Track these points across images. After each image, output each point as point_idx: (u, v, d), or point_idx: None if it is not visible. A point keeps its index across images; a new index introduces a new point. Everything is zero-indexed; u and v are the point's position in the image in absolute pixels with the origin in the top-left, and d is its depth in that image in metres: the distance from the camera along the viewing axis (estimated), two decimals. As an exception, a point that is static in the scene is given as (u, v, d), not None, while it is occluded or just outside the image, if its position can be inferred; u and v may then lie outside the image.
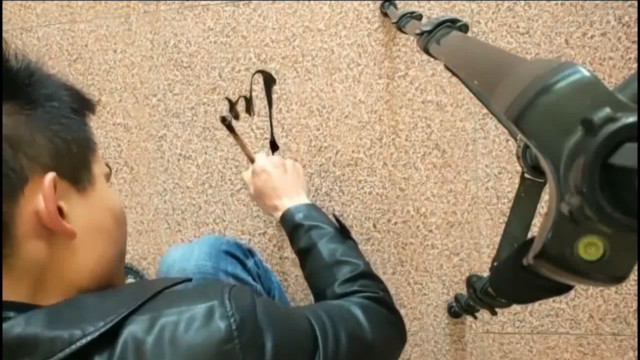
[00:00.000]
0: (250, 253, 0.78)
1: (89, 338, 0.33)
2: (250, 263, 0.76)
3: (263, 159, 0.79)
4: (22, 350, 0.32)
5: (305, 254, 0.66)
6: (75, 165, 0.40)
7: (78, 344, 0.32)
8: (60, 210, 0.37)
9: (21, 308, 0.35)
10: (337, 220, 0.71)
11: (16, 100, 0.37)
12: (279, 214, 0.73)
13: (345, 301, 0.56)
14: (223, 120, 0.82)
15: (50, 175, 0.36)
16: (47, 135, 0.37)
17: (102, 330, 0.33)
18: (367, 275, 0.62)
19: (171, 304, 0.37)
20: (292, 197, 0.74)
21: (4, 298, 0.36)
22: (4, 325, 0.32)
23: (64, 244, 0.38)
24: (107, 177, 0.44)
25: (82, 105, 0.42)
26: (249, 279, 0.73)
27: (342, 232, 0.69)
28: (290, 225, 0.69)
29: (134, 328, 0.35)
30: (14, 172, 0.35)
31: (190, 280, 0.43)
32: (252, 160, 0.80)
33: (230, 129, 0.85)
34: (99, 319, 0.34)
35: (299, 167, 0.81)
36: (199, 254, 0.70)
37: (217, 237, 0.77)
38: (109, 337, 0.34)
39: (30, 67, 0.39)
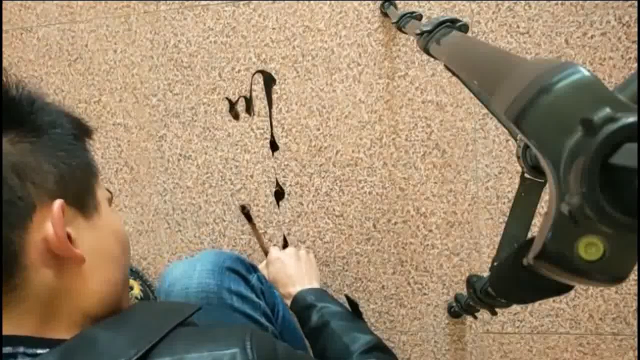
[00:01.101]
0: (252, 268, 0.78)
1: None
2: (253, 279, 0.76)
3: (277, 250, 0.87)
4: None
5: (318, 332, 0.68)
6: (80, 191, 0.40)
7: None
8: (68, 237, 0.37)
9: (31, 342, 0.34)
10: (349, 299, 0.77)
11: (20, 129, 0.37)
12: (291, 297, 0.76)
13: None
14: (242, 209, 0.94)
15: (58, 202, 0.36)
16: (52, 162, 0.37)
17: None
18: (382, 348, 0.65)
19: (192, 345, 0.37)
20: (304, 285, 0.78)
21: (13, 331, 0.35)
22: None
23: (73, 271, 0.38)
24: (110, 201, 0.45)
25: (82, 131, 0.42)
26: (253, 295, 0.73)
27: (354, 311, 0.74)
28: (302, 306, 0.73)
29: None
30: (21, 200, 0.35)
31: (200, 309, 0.43)
32: (266, 252, 0.88)
33: (249, 218, 0.96)
34: (112, 358, 0.34)
35: (311, 257, 0.88)
36: (201, 272, 0.70)
37: (219, 252, 0.77)
38: None
39: (32, 95, 0.39)
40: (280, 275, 0.81)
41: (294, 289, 0.77)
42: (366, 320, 0.96)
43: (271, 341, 0.41)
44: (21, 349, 0.34)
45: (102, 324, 0.38)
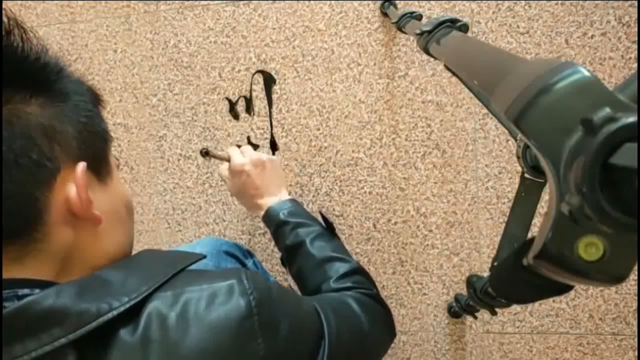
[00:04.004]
0: (249, 254, 0.79)
1: (115, 312, 0.35)
2: (249, 263, 0.77)
3: (239, 157, 0.76)
4: (53, 321, 0.33)
5: (293, 252, 0.67)
6: (98, 156, 0.42)
7: (105, 317, 0.34)
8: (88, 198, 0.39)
9: (45, 285, 0.36)
10: (323, 217, 0.72)
11: (49, 93, 0.39)
12: (261, 213, 0.73)
13: (342, 295, 0.58)
14: (201, 152, 0.85)
15: (82, 165, 0.39)
16: (76, 127, 0.40)
17: (128, 305, 0.35)
18: (360, 272, 0.64)
19: (192, 281, 0.39)
20: (273, 195, 0.74)
21: (31, 276, 0.37)
22: (36, 297, 0.34)
23: (89, 230, 0.40)
24: (117, 167, 0.48)
25: (97, 99, 0.46)
26: None
27: (329, 229, 0.70)
28: (275, 223, 0.70)
29: (158, 304, 0.37)
30: (49, 161, 0.37)
31: (205, 256, 0.46)
32: (226, 159, 0.79)
33: (207, 155, 0.90)
34: (124, 294, 0.36)
35: (276, 162, 0.79)
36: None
37: (216, 239, 0.77)
38: (134, 312, 0.36)
39: (59, 62, 0.42)
40: (246, 187, 0.75)
41: (263, 201, 0.74)
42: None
43: (264, 278, 0.43)
44: (36, 291, 0.35)
45: (112, 267, 0.40)
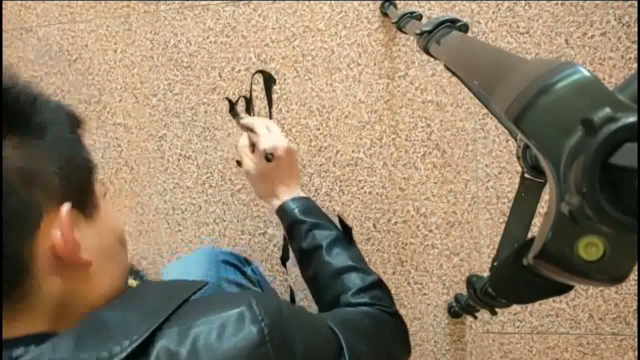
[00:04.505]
0: (246, 261, 0.78)
1: (116, 359, 0.32)
2: (248, 270, 0.75)
3: (269, 138, 0.69)
4: None
5: (308, 256, 0.64)
6: (82, 190, 0.39)
7: None
8: (75, 241, 0.36)
9: (41, 339, 0.34)
10: (341, 220, 0.68)
11: (24, 131, 0.35)
12: (277, 203, 0.69)
13: (359, 311, 0.56)
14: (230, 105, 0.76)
15: (66, 207, 0.36)
16: (57, 164, 0.36)
17: (130, 349, 0.33)
18: (379, 286, 0.61)
19: (198, 313, 0.37)
20: (292, 189, 0.70)
21: (24, 332, 0.35)
22: (32, 356, 0.32)
23: (79, 275, 0.38)
24: (105, 194, 0.44)
25: (76, 123, 0.41)
26: (250, 285, 0.73)
27: (345, 232, 0.66)
28: (290, 219, 0.67)
29: (165, 342, 0.35)
30: (30, 208, 0.34)
31: (206, 284, 0.43)
32: (250, 130, 0.72)
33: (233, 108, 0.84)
34: (125, 336, 0.34)
35: (291, 151, 0.72)
36: (198, 268, 0.69)
37: (212, 249, 0.76)
38: (140, 353, 0.34)
39: (31, 92, 0.37)
40: (272, 174, 0.70)
41: (281, 193, 0.69)
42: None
43: (274, 299, 0.41)
44: (32, 347, 0.34)
45: (109, 306, 0.38)
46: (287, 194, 0.69)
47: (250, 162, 0.71)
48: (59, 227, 0.35)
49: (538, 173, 0.48)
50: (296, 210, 0.66)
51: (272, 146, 0.68)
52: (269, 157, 0.68)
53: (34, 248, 0.34)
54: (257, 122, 0.72)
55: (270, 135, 0.70)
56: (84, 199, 0.39)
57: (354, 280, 0.60)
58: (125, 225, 1.04)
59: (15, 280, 0.34)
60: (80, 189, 0.39)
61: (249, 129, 0.73)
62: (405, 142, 0.93)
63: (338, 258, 0.61)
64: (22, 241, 0.34)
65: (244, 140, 0.73)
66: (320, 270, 0.62)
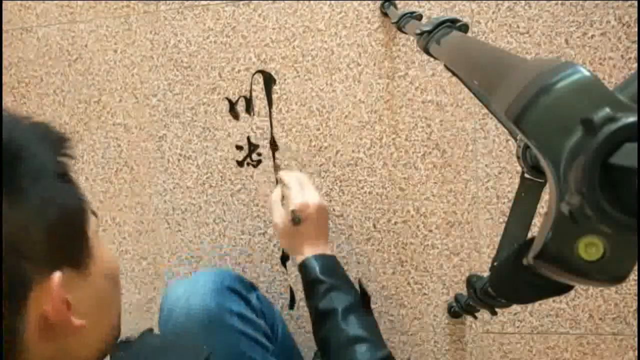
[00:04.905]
0: (252, 287, 0.77)
1: None
2: (253, 299, 0.74)
3: (300, 194, 0.71)
4: None
5: (323, 317, 0.64)
6: (74, 245, 0.37)
7: None
8: (67, 305, 0.35)
9: None
10: (361, 285, 0.68)
11: (7, 197, 0.32)
12: (300, 259, 0.70)
13: None
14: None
15: (57, 278, 0.33)
16: (44, 227, 0.33)
17: None
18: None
19: None
20: (318, 246, 0.71)
21: None
22: None
23: (71, 337, 0.36)
24: (97, 228, 0.41)
25: (63, 152, 0.37)
26: (253, 316, 0.72)
27: (364, 299, 0.67)
28: (310, 278, 0.67)
29: None
30: (19, 281, 0.32)
31: (210, 354, 0.42)
32: (284, 184, 0.74)
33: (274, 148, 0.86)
34: None
35: (326, 208, 0.74)
36: (203, 293, 0.68)
37: (220, 271, 0.74)
38: None
39: (12, 145, 0.33)
40: (300, 231, 0.71)
41: (307, 250, 0.70)
42: (366, 320, 0.96)
43: None
44: None
45: None
46: (311, 251, 0.70)
47: (279, 216, 0.73)
48: (50, 295, 0.33)
49: (538, 173, 0.48)
50: (317, 269, 0.67)
51: (302, 203, 0.70)
52: (296, 220, 0.69)
53: (23, 319, 0.33)
54: (291, 178, 0.75)
55: (303, 193, 0.72)
56: (76, 254, 0.37)
57: (364, 352, 0.59)
58: (125, 226, 1.04)
59: (3, 353, 0.32)
60: (71, 246, 0.37)
61: (283, 183, 0.75)
62: (405, 142, 0.93)
63: (352, 326, 0.61)
64: (13, 317, 0.32)
65: (276, 193, 0.76)
66: (332, 335, 0.62)
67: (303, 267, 0.69)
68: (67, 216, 0.36)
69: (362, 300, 0.66)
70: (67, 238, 0.36)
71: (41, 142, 0.36)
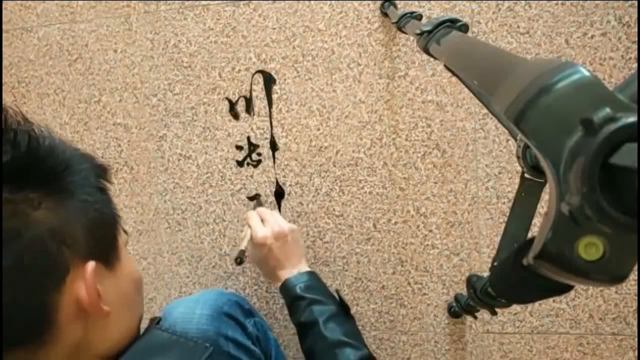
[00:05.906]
0: (250, 313, 0.78)
1: None
2: (250, 326, 0.76)
3: (261, 228, 0.78)
4: None
5: (306, 329, 0.69)
6: (107, 246, 0.43)
7: None
8: (97, 292, 0.40)
9: None
10: (339, 295, 0.73)
11: (57, 195, 0.38)
12: (279, 284, 0.76)
13: None
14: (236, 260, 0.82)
15: (91, 265, 0.39)
16: (84, 224, 0.40)
17: None
18: None
19: None
20: (293, 266, 0.76)
21: None
22: None
23: (97, 323, 0.41)
24: (126, 243, 0.47)
25: (103, 177, 0.45)
26: (249, 343, 0.73)
27: (343, 308, 0.71)
28: (291, 296, 0.72)
29: None
30: (58, 265, 0.37)
31: (213, 351, 0.47)
32: (254, 231, 0.79)
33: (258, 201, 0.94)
34: None
35: (297, 232, 0.82)
36: (201, 317, 0.69)
37: (218, 294, 0.76)
38: None
39: (66, 154, 0.40)
40: (267, 259, 0.77)
41: (282, 274, 0.76)
42: (366, 320, 0.96)
43: None
44: None
45: None
46: (286, 274, 0.75)
47: (250, 250, 0.79)
48: (84, 282, 0.38)
49: (538, 173, 0.48)
50: (297, 288, 0.72)
51: (262, 236, 0.76)
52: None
53: (59, 300, 0.38)
54: (252, 215, 0.82)
55: (262, 226, 0.78)
56: (108, 253, 0.42)
57: (347, 354, 0.64)
58: (125, 226, 1.04)
59: (39, 330, 0.37)
60: (105, 244, 0.42)
61: (246, 223, 0.82)
62: (406, 142, 0.93)
63: (333, 333, 0.66)
64: (49, 294, 0.37)
65: (245, 233, 0.82)
66: (316, 344, 0.67)
67: (283, 291, 0.74)
68: (103, 219, 0.42)
69: (341, 309, 0.71)
70: (102, 237, 0.42)
71: (87, 162, 0.43)
